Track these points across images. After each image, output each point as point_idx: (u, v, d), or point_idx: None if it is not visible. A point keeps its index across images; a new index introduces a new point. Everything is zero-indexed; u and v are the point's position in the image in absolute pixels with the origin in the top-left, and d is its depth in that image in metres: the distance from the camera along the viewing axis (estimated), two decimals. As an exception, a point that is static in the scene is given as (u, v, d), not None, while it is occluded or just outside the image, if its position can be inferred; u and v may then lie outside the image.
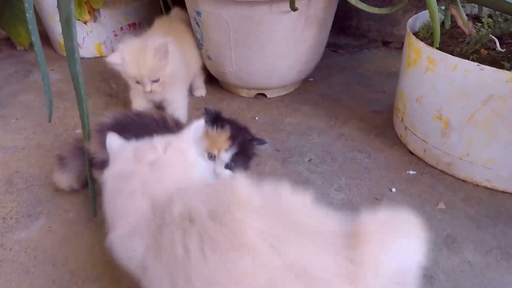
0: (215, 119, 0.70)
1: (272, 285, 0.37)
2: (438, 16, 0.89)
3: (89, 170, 0.75)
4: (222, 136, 0.70)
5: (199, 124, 0.56)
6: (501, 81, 0.67)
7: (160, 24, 1.08)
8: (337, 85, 1.21)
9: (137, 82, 0.91)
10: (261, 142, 0.73)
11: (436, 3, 0.63)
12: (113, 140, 0.55)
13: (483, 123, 0.73)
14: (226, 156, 0.69)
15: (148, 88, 0.89)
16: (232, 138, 0.69)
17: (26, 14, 0.69)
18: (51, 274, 0.67)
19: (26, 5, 0.69)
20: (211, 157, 0.70)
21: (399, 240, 0.39)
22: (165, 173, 0.50)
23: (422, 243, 0.40)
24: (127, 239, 0.47)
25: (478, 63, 0.69)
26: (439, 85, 0.77)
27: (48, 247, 0.72)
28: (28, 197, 0.84)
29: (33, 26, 0.70)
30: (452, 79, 0.74)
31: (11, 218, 0.79)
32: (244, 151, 0.71)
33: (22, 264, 0.69)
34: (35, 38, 0.71)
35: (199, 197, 0.44)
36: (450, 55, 0.73)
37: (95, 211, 0.77)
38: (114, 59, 0.88)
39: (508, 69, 0.69)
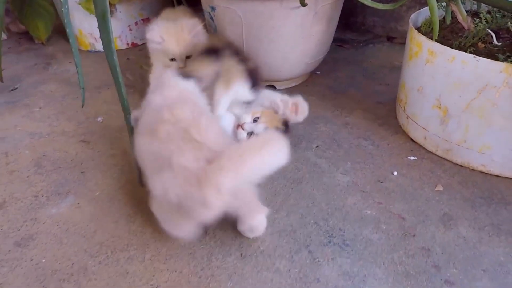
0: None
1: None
2: (439, 12, 0.95)
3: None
4: (278, 123, 0.87)
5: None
6: (495, 72, 0.73)
7: (166, 14, 1.17)
8: (343, 78, 1.27)
9: (172, 60, 0.97)
10: None
11: (434, 1, 0.69)
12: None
13: (479, 111, 0.79)
14: (262, 129, 0.86)
15: (182, 64, 0.96)
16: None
17: (62, 9, 0.76)
18: (82, 244, 0.74)
19: (62, 0, 0.76)
20: (255, 119, 0.87)
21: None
22: None
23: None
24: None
25: (474, 55, 0.75)
26: (439, 76, 0.83)
27: (77, 221, 0.79)
28: (56, 177, 0.91)
29: (67, 20, 0.77)
30: (451, 70, 0.79)
31: (42, 196, 0.86)
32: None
33: (55, 236, 0.76)
34: (70, 30, 0.78)
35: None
36: (448, 48, 0.79)
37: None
38: (154, 37, 0.95)
39: (502, 61, 0.75)
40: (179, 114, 0.63)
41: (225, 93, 0.84)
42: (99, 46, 1.55)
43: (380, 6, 0.90)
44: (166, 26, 0.96)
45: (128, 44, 1.57)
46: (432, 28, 0.85)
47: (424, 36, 0.84)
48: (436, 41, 0.86)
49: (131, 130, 0.80)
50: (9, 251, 0.73)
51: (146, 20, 1.56)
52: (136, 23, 1.54)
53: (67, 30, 0.79)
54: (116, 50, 0.78)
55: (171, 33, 0.94)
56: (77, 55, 0.83)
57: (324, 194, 0.82)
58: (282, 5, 0.95)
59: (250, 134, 0.86)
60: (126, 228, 0.77)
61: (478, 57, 0.74)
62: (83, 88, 0.86)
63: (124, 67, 1.41)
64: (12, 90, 1.31)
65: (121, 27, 1.52)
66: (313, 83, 1.24)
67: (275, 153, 0.56)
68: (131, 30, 1.54)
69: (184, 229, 0.63)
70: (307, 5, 0.93)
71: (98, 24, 0.76)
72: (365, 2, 0.90)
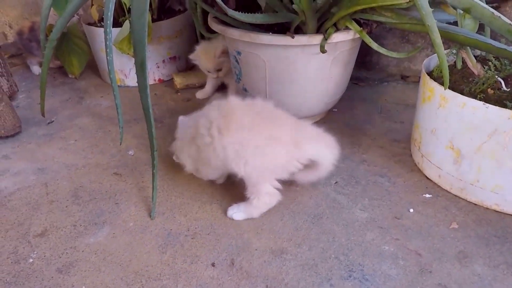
0: None
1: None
2: (450, 58, 1.02)
3: (154, 177, 0.90)
4: None
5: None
6: (504, 118, 0.78)
7: (203, 43, 1.45)
8: (359, 115, 1.34)
9: (208, 72, 1.42)
10: None
11: (444, 54, 0.75)
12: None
13: (490, 153, 0.84)
14: None
15: (215, 75, 1.41)
16: None
17: (107, 57, 0.85)
18: (119, 273, 0.79)
19: (107, 50, 0.86)
20: None
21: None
22: None
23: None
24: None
25: (484, 102, 0.81)
26: (451, 120, 0.88)
27: (113, 251, 0.85)
28: (92, 208, 0.98)
29: (111, 67, 0.87)
30: (462, 114, 0.85)
31: (80, 225, 0.93)
32: None
33: (94, 264, 0.82)
34: (113, 76, 0.87)
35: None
36: (459, 94, 0.85)
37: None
38: (193, 57, 1.41)
39: (511, 108, 0.80)
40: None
41: None
42: (128, 82, 1.66)
43: (394, 54, 0.97)
44: (200, 49, 1.39)
45: (155, 80, 1.67)
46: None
47: (436, 83, 0.91)
48: (448, 86, 0.93)
49: (155, 167, 0.89)
50: (52, 277, 0.79)
51: (173, 59, 1.67)
52: (163, 61, 1.65)
53: (110, 76, 0.88)
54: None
55: (204, 54, 1.37)
56: (119, 101, 0.92)
57: (344, 229, 0.87)
58: (303, 52, 1.04)
59: None
60: (158, 258, 0.82)
61: (487, 104, 0.80)
62: (121, 127, 0.94)
63: (152, 101, 1.50)
64: (49, 123, 1.41)
65: (150, 65, 1.63)
66: (330, 120, 1.31)
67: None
68: (158, 67, 1.65)
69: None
70: (326, 51, 1.01)
71: (136, 70, 0.85)
72: (381, 51, 0.98)
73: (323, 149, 0.88)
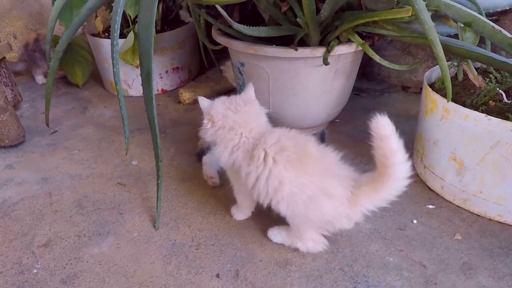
0: (323, 139, 1.07)
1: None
2: (452, 71, 1.03)
3: (158, 188, 0.90)
4: None
5: (251, 83, 0.89)
6: (506, 130, 0.79)
7: None
8: (361, 126, 1.35)
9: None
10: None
11: (447, 67, 0.77)
12: (203, 100, 0.86)
13: (493, 165, 0.84)
14: None
15: None
16: None
17: (113, 69, 0.86)
18: (123, 284, 0.79)
19: (113, 61, 0.87)
20: None
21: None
22: (248, 116, 0.82)
23: None
24: (230, 152, 0.81)
25: (486, 114, 0.82)
26: (453, 131, 0.89)
27: (118, 261, 0.85)
28: (96, 218, 0.98)
29: (118, 78, 0.88)
30: (464, 126, 0.86)
31: (85, 235, 0.93)
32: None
33: (98, 274, 0.82)
34: (119, 88, 0.88)
35: (285, 137, 0.79)
36: (462, 107, 0.86)
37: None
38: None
39: (512, 120, 0.81)
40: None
41: None
42: (131, 92, 1.67)
43: (397, 67, 0.98)
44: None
45: (158, 90, 1.69)
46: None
47: (439, 95, 0.92)
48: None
49: (160, 177, 0.89)
50: (56, 288, 0.79)
51: (176, 69, 1.68)
52: (166, 71, 1.67)
53: (117, 88, 0.89)
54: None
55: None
56: (125, 112, 0.93)
57: (348, 240, 0.87)
58: (306, 64, 1.05)
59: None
60: (163, 269, 0.82)
61: (489, 116, 0.81)
62: (127, 138, 0.95)
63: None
64: (52, 133, 1.42)
65: (153, 75, 1.64)
66: (333, 130, 1.32)
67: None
68: (161, 78, 1.67)
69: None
70: (329, 64, 1.03)
71: (142, 81, 0.86)
72: (383, 64, 0.99)
73: (379, 198, 0.77)
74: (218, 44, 1.23)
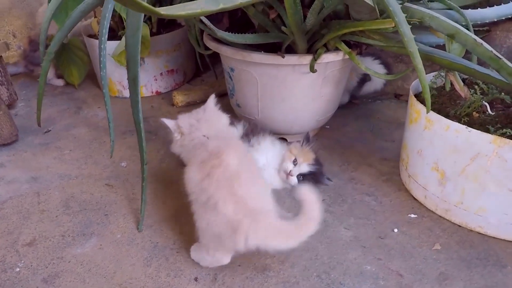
0: (308, 140, 1.04)
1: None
2: (439, 81, 1.04)
3: (143, 190, 0.91)
4: (310, 154, 1.02)
5: (213, 96, 0.94)
6: (485, 142, 0.80)
7: None
8: (351, 132, 1.35)
9: None
10: (330, 179, 1.06)
11: (426, 80, 0.77)
12: (167, 120, 0.91)
13: (473, 176, 0.85)
14: (306, 168, 1.00)
15: None
16: (315, 161, 1.02)
17: (101, 73, 0.88)
18: (103, 285, 0.80)
19: (101, 65, 0.88)
20: (295, 162, 1.01)
21: None
22: (206, 120, 0.89)
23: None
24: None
25: (466, 126, 0.82)
26: (436, 142, 0.90)
27: (99, 262, 0.86)
28: (82, 219, 0.99)
29: (105, 82, 0.89)
30: (446, 137, 0.87)
31: (69, 236, 0.94)
32: (315, 176, 1.02)
33: (79, 275, 0.83)
34: (106, 91, 0.89)
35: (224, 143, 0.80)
36: (443, 117, 0.87)
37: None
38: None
39: (493, 132, 0.82)
40: (228, 160, 0.75)
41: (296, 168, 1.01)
42: (126, 93, 1.69)
43: (382, 76, 1.00)
44: None
45: (152, 92, 1.70)
46: (432, 95, 0.94)
47: (422, 105, 0.92)
48: (435, 107, 0.95)
49: (144, 180, 0.90)
50: (37, 287, 0.80)
51: (171, 72, 1.70)
52: (161, 73, 1.68)
53: (104, 91, 0.91)
54: (142, 97, 0.94)
55: None
56: (111, 116, 0.94)
57: (327, 247, 0.87)
58: (294, 70, 1.06)
59: (301, 175, 1.01)
60: (143, 271, 0.83)
61: (469, 128, 0.82)
62: (113, 141, 0.96)
63: (148, 114, 1.53)
64: (46, 132, 1.43)
65: (148, 77, 1.66)
66: (322, 136, 1.33)
67: (303, 237, 0.71)
68: (156, 80, 1.68)
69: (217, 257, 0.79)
70: (316, 71, 1.03)
71: (129, 86, 0.87)
72: (369, 72, 1.00)
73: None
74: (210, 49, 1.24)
